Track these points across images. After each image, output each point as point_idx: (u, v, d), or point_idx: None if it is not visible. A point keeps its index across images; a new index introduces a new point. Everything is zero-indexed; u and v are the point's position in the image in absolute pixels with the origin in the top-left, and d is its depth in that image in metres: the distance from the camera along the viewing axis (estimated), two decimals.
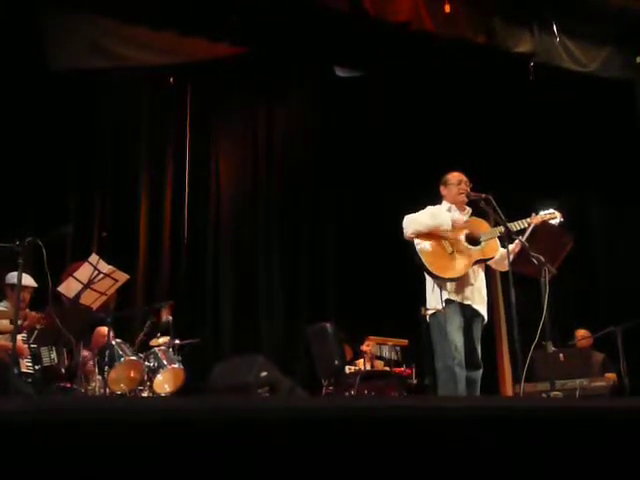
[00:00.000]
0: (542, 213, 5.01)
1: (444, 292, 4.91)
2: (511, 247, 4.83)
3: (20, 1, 6.72)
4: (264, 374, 5.93)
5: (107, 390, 6.08)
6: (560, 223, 5.02)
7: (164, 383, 6.54)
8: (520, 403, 2.39)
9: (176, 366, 6.59)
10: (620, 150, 8.63)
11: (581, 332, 7.70)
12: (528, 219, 4.97)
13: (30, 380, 5.73)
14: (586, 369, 6.75)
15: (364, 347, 7.62)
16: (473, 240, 5.03)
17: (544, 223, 4.97)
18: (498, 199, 4.93)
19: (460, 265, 4.95)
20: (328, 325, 7.26)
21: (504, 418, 1.86)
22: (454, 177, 5.20)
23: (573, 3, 7.56)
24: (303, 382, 7.10)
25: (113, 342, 6.29)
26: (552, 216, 4.99)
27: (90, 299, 5.79)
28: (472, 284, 4.99)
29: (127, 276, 5.98)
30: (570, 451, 1.98)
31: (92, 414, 1.49)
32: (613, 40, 7.86)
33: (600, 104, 8.33)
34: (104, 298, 5.88)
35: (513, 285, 4.72)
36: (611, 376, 6.99)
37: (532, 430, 1.88)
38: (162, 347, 6.70)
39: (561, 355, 6.47)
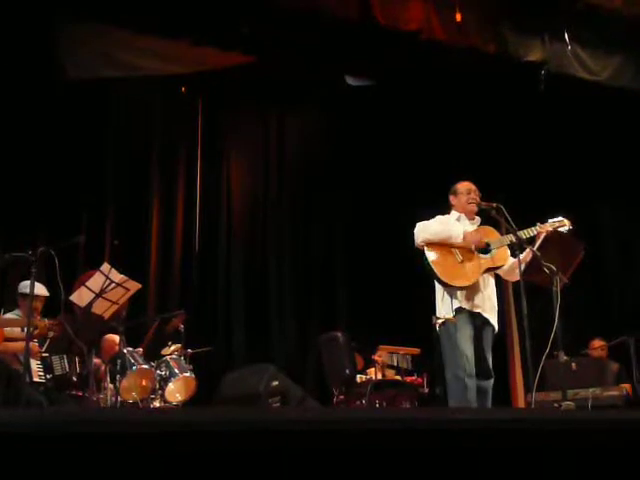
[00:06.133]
0: (551, 221, 4.98)
1: (454, 300, 4.89)
2: (522, 256, 4.81)
3: (34, 12, 6.76)
4: (275, 383, 5.94)
5: (118, 398, 6.10)
6: (569, 231, 5.00)
7: (176, 392, 6.55)
8: (527, 415, 2.38)
9: (188, 375, 6.60)
10: (632, 158, 8.61)
11: (596, 342, 7.66)
12: (536, 227, 4.95)
13: (42, 389, 5.75)
14: (599, 378, 6.70)
15: (375, 356, 7.59)
16: (483, 248, 5.01)
17: (555, 231, 4.94)
18: (508, 208, 4.91)
19: (470, 273, 4.92)
20: (339, 334, 7.26)
21: (512, 430, 1.86)
22: (463, 186, 5.19)
23: (584, 11, 7.54)
24: (314, 391, 7.11)
25: (125, 350, 6.31)
26: (561, 224, 4.97)
27: (102, 308, 5.81)
28: (482, 292, 4.97)
29: (139, 285, 6.00)
30: (582, 463, 1.97)
31: (103, 426, 1.49)
32: (625, 49, 7.84)
33: (612, 113, 8.31)
34: (116, 307, 5.89)
35: (525, 294, 4.70)
36: (625, 386, 6.94)
37: (542, 441, 1.88)
38: (174, 356, 6.71)
39: (573, 364, 6.44)
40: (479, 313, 4.94)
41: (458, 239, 4.96)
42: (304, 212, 9.17)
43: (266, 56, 7.69)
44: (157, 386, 6.47)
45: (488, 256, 4.98)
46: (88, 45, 7.28)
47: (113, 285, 5.74)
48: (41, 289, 5.83)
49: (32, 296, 5.06)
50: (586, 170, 9.05)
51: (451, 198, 5.23)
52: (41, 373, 5.85)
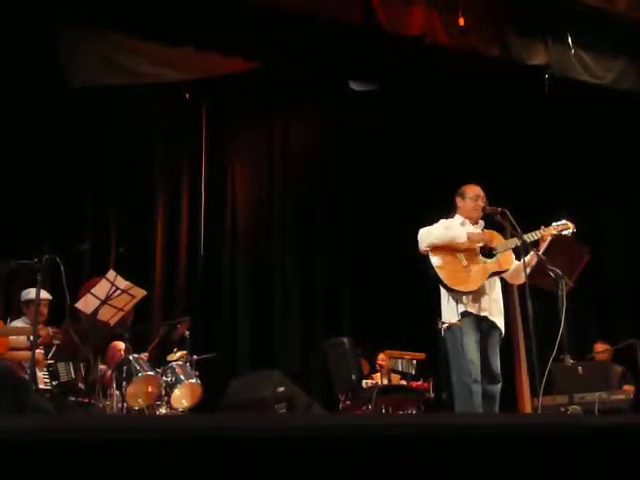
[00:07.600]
0: (554, 224, 4.96)
1: (460, 305, 4.87)
2: (527, 259, 4.79)
3: (36, 18, 6.78)
4: (281, 389, 5.93)
5: (125, 405, 6.10)
6: (573, 234, 4.98)
7: (182, 398, 6.54)
8: (534, 420, 2.37)
9: (193, 381, 6.59)
10: (635, 161, 8.60)
11: (600, 345, 7.66)
12: (540, 230, 4.93)
13: (48, 396, 5.76)
14: (605, 382, 6.69)
15: (381, 361, 7.59)
16: (488, 252, 4.99)
17: (560, 236, 4.93)
18: (512, 210, 4.91)
19: (475, 278, 4.90)
20: (345, 340, 7.25)
21: (519, 436, 1.85)
22: (472, 191, 5.12)
23: (587, 14, 7.53)
24: (320, 397, 7.09)
25: (130, 357, 6.32)
26: (565, 227, 4.95)
27: (108, 315, 5.83)
28: (488, 295, 4.94)
29: (144, 292, 6.01)
30: (589, 468, 1.96)
31: (109, 433, 1.49)
32: (629, 52, 7.82)
33: (616, 116, 8.30)
34: (121, 314, 5.91)
35: (530, 298, 4.69)
36: (629, 389, 6.92)
37: (549, 448, 1.87)
38: (179, 362, 6.71)
39: (579, 368, 6.43)
40: (486, 317, 4.92)
41: (462, 239, 4.93)
42: (308, 216, 9.17)
43: (269, 61, 7.70)
44: (163, 392, 6.47)
45: (493, 260, 4.97)
46: (90, 52, 7.30)
47: (119, 292, 5.76)
48: (43, 293, 5.83)
49: (38, 303, 5.07)
50: (590, 173, 9.04)
51: (458, 200, 5.17)
52: (47, 380, 5.85)
